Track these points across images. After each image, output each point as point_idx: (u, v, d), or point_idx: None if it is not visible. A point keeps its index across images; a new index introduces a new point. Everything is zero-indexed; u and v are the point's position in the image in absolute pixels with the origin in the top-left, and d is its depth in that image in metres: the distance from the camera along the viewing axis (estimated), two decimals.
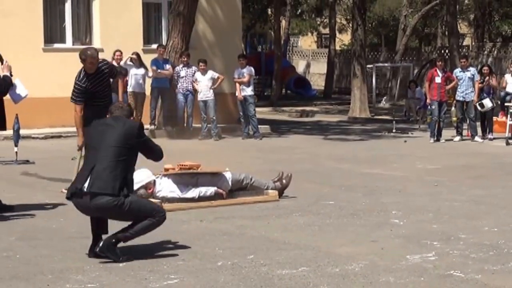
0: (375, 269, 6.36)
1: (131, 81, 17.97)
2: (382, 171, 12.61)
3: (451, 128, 18.46)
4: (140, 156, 6.99)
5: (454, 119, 18.52)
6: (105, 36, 19.67)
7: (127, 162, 6.71)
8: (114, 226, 6.84)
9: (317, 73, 43.78)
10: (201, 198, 9.26)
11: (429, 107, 18.08)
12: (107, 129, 6.83)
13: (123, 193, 6.58)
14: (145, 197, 8.56)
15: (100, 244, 6.63)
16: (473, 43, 39.54)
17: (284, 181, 9.95)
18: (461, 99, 17.67)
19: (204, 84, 18.10)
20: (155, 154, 7.12)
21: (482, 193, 10.31)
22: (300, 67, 44.57)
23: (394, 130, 19.68)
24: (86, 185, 6.61)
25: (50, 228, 8.11)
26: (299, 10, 45.87)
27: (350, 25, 35.70)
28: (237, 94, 18.44)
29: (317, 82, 42.02)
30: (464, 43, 43.44)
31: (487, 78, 17.88)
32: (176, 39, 19.02)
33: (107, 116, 7.19)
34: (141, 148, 6.90)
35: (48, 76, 18.50)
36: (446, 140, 17.32)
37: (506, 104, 18.45)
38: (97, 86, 9.80)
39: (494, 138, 17.49)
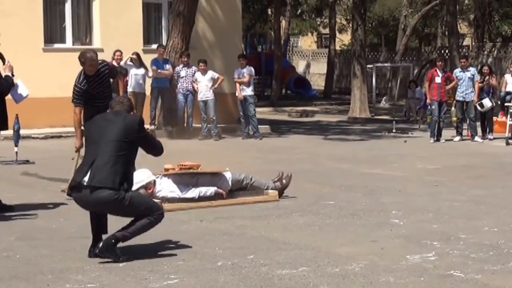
0: (375, 269, 6.36)
1: (131, 81, 17.97)
2: (382, 171, 12.61)
3: (451, 128, 18.46)
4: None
5: (454, 119, 18.53)
6: (105, 36, 19.67)
7: (127, 157, 6.71)
8: (114, 226, 6.84)
9: (317, 73, 43.79)
10: (201, 198, 9.26)
11: (429, 107, 18.08)
12: (108, 124, 6.83)
13: (123, 187, 6.58)
14: (145, 197, 8.56)
15: (100, 245, 6.63)
16: (473, 43, 39.56)
17: (284, 181, 9.95)
18: (461, 99, 17.67)
19: (204, 84, 18.11)
20: (155, 149, 7.11)
21: (482, 193, 10.31)
22: (300, 67, 44.59)
23: (394, 130, 19.69)
24: (86, 179, 6.61)
25: (50, 228, 8.10)
26: (299, 10, 45.88)
27: (350, 25, 35.72)
28: (237, 94, 18.44)
29: (317, 82, 42.04)
30: (464, 43, 43.45)
31: (487, 77, 17.89)
32: (176, 39, 19.03)
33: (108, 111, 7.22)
34: (141, 142, 6.89)
35: (48, 76, 18.50)
36: (446, 140, 17.32)
37: (506, 104, 18.45)
38: (97, 88, 9.80)
39: (494, 138, 17.49)
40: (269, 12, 41.68)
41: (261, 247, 7.17)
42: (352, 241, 7.46)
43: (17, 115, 12.90)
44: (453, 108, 18.93)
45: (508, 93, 19.50)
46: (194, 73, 18.23)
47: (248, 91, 18.29)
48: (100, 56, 10.27)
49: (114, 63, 16.88)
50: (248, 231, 7.90)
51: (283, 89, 36.50)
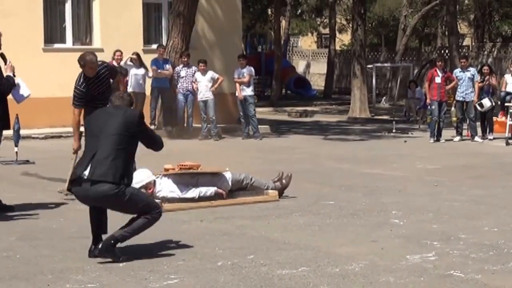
0: (375, 269, 6.36)
1: (131, 81, 17.98)
2: (382, 171, 12.61)
3: (451, 128, 18.46)
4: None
5: (454, 119, 18.53)
6: (105, 36, 19.67)
7: (127, 151, 6.71)
8: (114, 226, 6.84)
9: (317, 73, 43.79)
10: (201, 198, 9.26)
11: (429, 107, 18.08)
12: (108, 117, 6.84)
13: (123, 182, 6.58)
14: None
15: (99, 246, 6.63)
16: (473, 43, 39.56)
17: (284, 181, 9.95)
18: (461, 99, 17.67)
19: (204, 84, 18.10)
20: (155, 143, 7.11)
21: (482, 193, 10.31)
22: (300, 67, 44.59)
23: (394, 130, 19.68)
24: (86, 173, 6.61)
25: (50, 228, 8.10)
26: (299, 10, 45.88)
27: (350, 25, 35.69)
28: (237, 94, 18.44)
29: (317, 82, 42.03)
30: (464, 43, 43.44)
31: (487, 77, 17.89)
32: (176, 39, 19.03)
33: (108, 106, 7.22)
34: (142, 137, 6.89)
35: (48, 76, 18.50)
36: (446, 140, 17.32)
37: (506, 104, 18.46)
38: (97, 89, 9.80)
39: (494, 138, 17.50)
40: (269, 12, 41.68)
41: (261, 247, 7.17)
42: (352, 241, 7.46)
43: (17, 115, 12.89)
44: (453, 108, 18.93)
45: (508, 93, 19.49)
46: (194, 73, 18.23)
47: (248, 91, 18.28)
48: (100, 56, 10.26)
49: (114, 63, 16.91)
50: (248, 231, 7.90)
51: (283, 89, 36.50)
